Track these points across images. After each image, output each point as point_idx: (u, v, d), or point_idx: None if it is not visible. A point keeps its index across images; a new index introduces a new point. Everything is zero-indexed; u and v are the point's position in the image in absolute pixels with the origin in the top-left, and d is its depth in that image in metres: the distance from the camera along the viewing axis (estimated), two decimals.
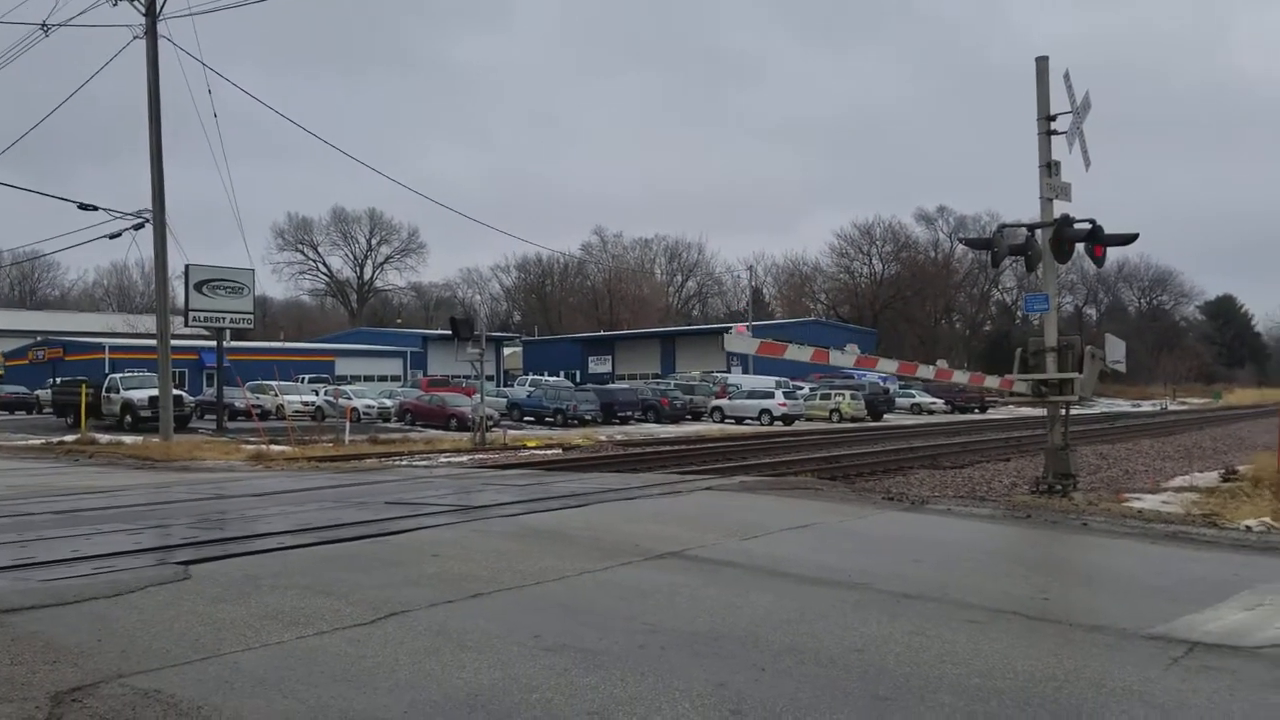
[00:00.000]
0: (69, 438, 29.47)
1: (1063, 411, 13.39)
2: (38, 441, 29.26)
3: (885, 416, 51.75)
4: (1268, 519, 10.45)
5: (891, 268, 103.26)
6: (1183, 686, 4.55)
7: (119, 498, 13.44)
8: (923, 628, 5.56)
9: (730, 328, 79.00)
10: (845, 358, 24.69)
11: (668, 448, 29.27)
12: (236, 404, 40.16)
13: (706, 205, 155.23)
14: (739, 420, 45.83)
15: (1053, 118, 12.91)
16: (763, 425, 43.90)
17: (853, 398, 50.75)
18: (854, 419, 49.12)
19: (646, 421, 45.24)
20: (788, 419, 45.32)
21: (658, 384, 55.21)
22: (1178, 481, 17.66)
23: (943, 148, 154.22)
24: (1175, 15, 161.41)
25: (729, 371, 66.41)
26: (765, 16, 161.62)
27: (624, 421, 44.32)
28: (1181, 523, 10.38)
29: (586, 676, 4.60)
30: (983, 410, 60.22)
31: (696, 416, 48.01)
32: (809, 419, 47.85)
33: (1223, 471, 17.67)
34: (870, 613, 5.94)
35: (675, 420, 45.86)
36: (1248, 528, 10.05)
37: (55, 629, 5.38)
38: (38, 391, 53.14)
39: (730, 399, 48.50)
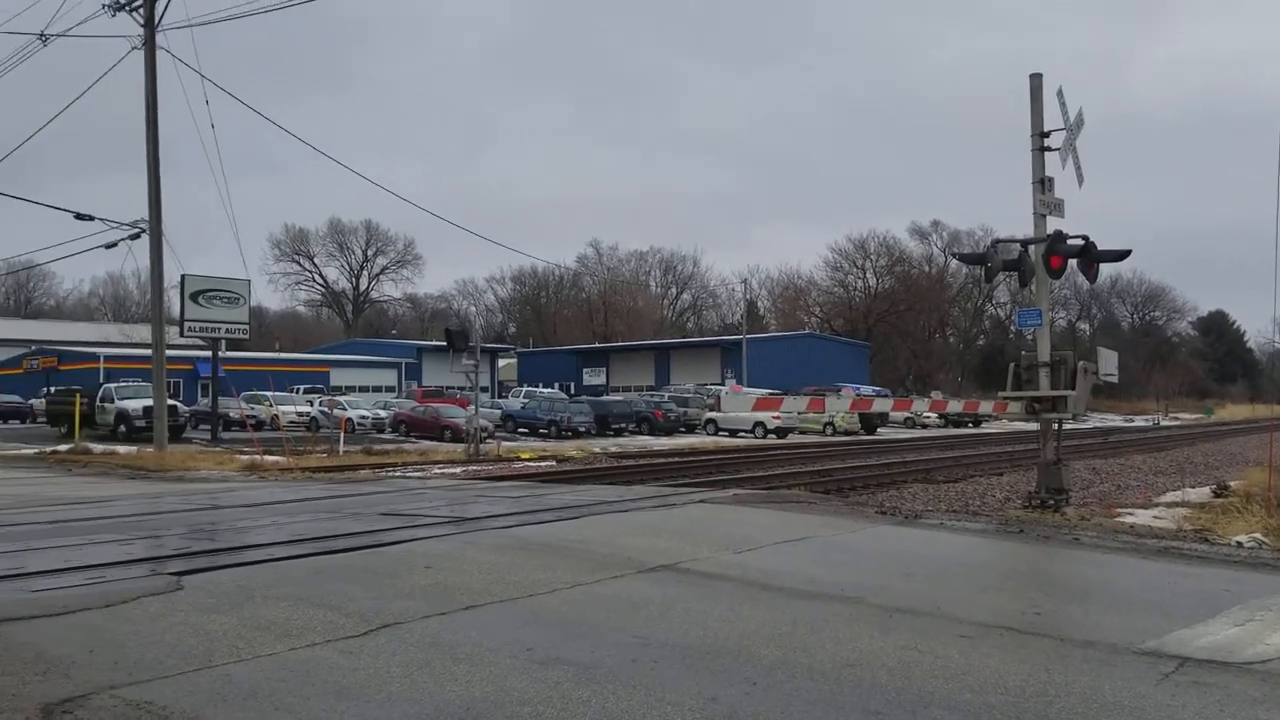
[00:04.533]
0: (62, 447, 29.41)
1: (1055, 426, 13.42)
2: (30, 451, 29.18)
3: (879, 430, 51.76)
4: (1259, 534, 10.48)
5: (886, 281, 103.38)
6: (1173, 702, 4.57)
7: (112, 508, 13.41)
8: (915, 642, 5.57)
9: (723, 340, 79.23)
10: (841, 402, 24.64)
11: (661, 460, 29.26)
12: (231, 414, 40.08)
13: (701, 218, 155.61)
14: (733, 433, 45.85)
15: (1046, 134, 12.97)
16: (757, 438, 43.92)
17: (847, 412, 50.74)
18: (848, 432, 49.18)
19: (640, 434, 45.21)
20: (781, 432, 45.36)
21: (652, 396, 55.19)
22: (1170, 497, 17.69)
23: (934, 162, 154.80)
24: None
25: (723, 384, 66.44)
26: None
27: (618, 434, 44.29)
28: (1173, 538, 10.41)
29: (579, 690, 4.60)
30: (977, 424, 60.30)
31: (690, 429, 47.99)
32: (803, 432, 47.90)
33: (1215, 487, 17.71)
34: (863, 627, 5.95)
35: (669, 433, 45.84)
36: (1239, 543, 10.08)
37: (47, 640, 5.37)
38: (32, 401, 52.95)
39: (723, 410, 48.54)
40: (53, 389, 49.70)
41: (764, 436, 44.46)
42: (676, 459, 29.92)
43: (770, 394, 51.26)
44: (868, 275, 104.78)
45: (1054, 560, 9.35)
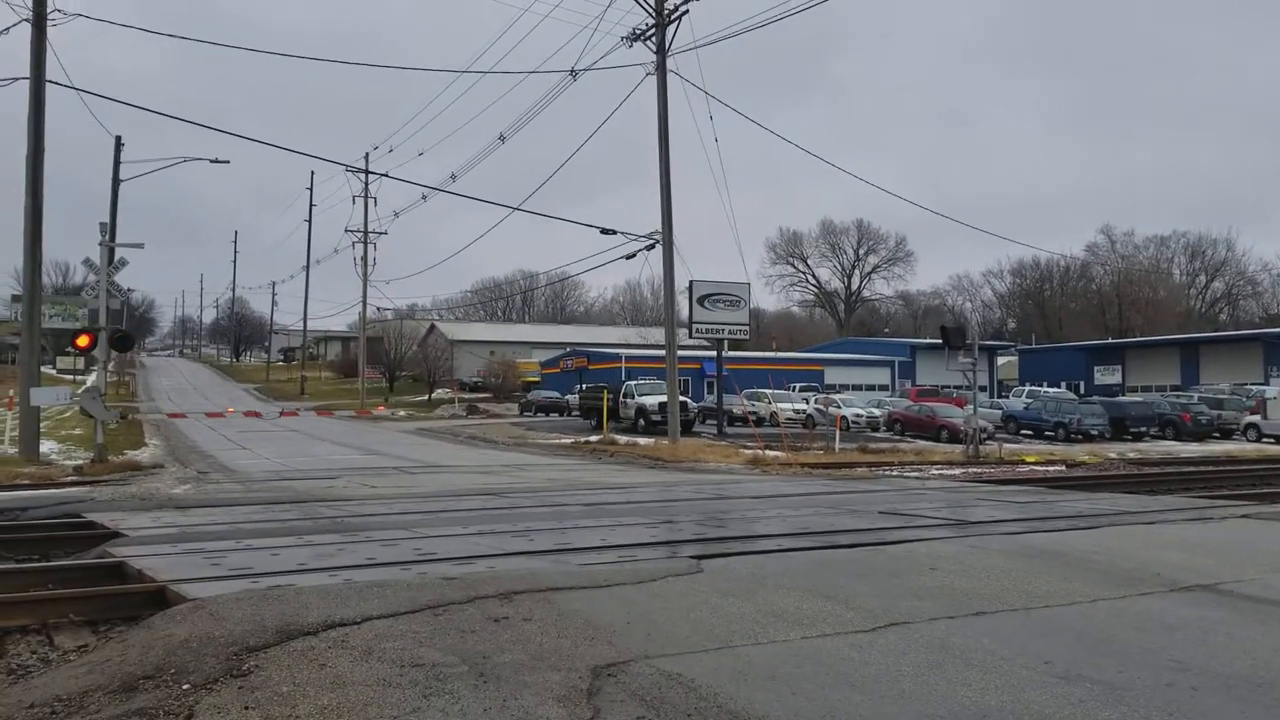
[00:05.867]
0: (593, 438, 33.14)
1: None
2: (568, 440, 33.24)
3: None
4: None
5: None
6: None
7: (635, 494, 14.85)
8: None
9: (1266, 333, 69.03)
10: None
11: (1191, 468, 26.19)
12: (734, 410, 42.58)
13: (1232, 196, 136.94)
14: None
15: None
16: None
17: None
18: None
19: (1164, 439, 40.91)
20: None
21: (1177, 397, 49.65)
22: None
23: None
24: None
25: (1267, 383, 57.93)
26: None
27: (1136, 438, 40.45)
28: None
29: (1106, 711, 4.25)
30: None
31: (1226, 434, 42.49)
32: None
33: None
34: None
35: (1199, 438, 40.95)
36: None
37: (591, 609, 6.04)
38: (567, 396, 60.20)
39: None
40: (584, 386, 56.14)
41: None
42: (1210, 467, 26.61)
43: None
44: None
45: None
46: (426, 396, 73.96)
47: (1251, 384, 55.98)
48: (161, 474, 19.84)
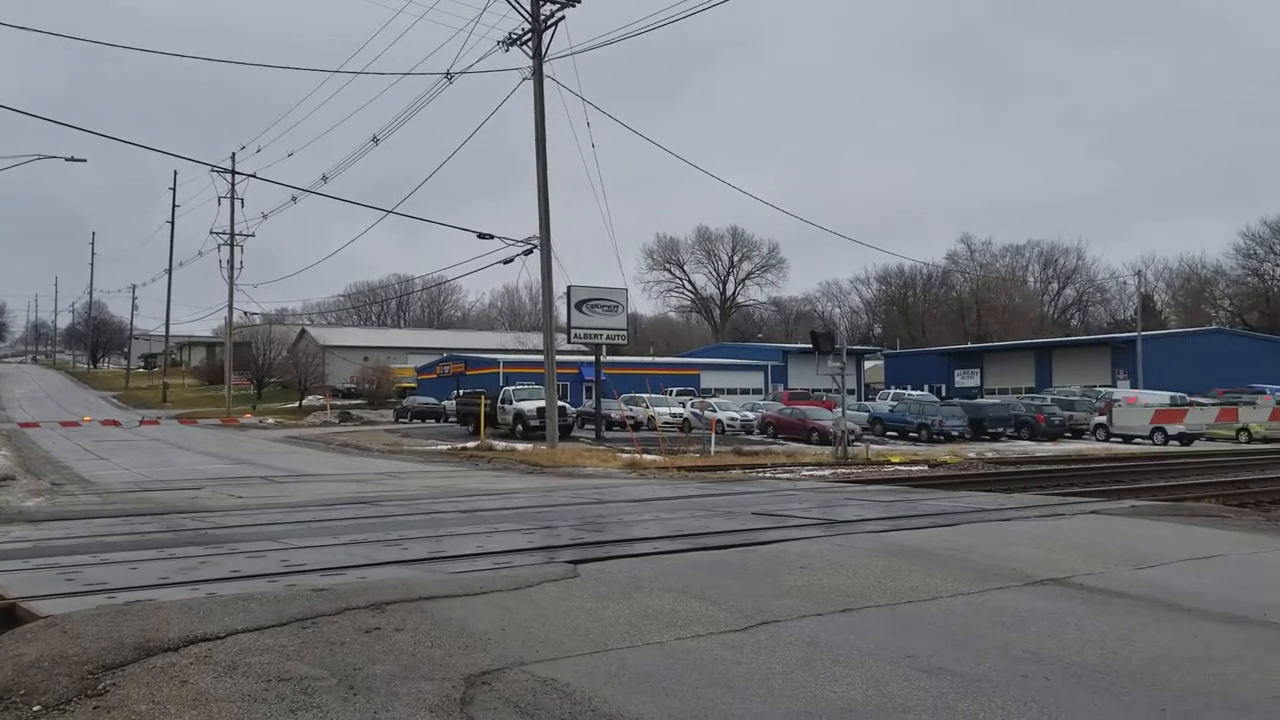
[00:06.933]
0: (470, 444, 32.85)
1: None
2: (444, 447, 32.84)
3: None
4: None
5: None
6: None
7: (512, 500, 14.77)
8: None
9: (1113, 338, 73.01)
10: (1259, 411, 22.00)
11: (1045, 467, 27.50)
12: (612, 415, 42.79)
13: (1083, 209, 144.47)
14: (1127, 439, 42.14)
15: None
16: (1155, 444, 40.06)
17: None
18: (1266, 439, 43.45)
19: (1020, 439, 42.88)
20: (1185, 438, 41.01)
21: (1032, 399, 52.06)
22: None
23: None
24: None
25: (1114, 385, 61.27)
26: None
27: (994, 438, 42.30)
28: None
29: (965, 702, 4.44)
30: None
31: (1077, 434, 44.79)
32: (1210, 439, 43.00)
33: None
34: None
35: (1052, 438, 43.08)
36: None
37: (466, 617, 5.98)
38: (444, 402, 59.46)
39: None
40: (461, 391, 55.56)
41: (1164, 443, 40.47)
42: (1062, 466, 27.99)
43: (1171, 402, 46.79)
44: None
45: None
46: (297, 403, 72.06)
47: (1100, 386, 59.22)
48: (12, 486, 18.81)
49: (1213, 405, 46.19)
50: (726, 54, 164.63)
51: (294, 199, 49.52)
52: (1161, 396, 49.47)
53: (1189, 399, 49.49)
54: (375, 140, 34.42)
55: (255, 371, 78.80)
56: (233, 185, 57.68)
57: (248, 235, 60.33)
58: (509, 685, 4.60)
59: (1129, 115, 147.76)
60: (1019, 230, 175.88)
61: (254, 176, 35.58)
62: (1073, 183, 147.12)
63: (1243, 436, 43.87)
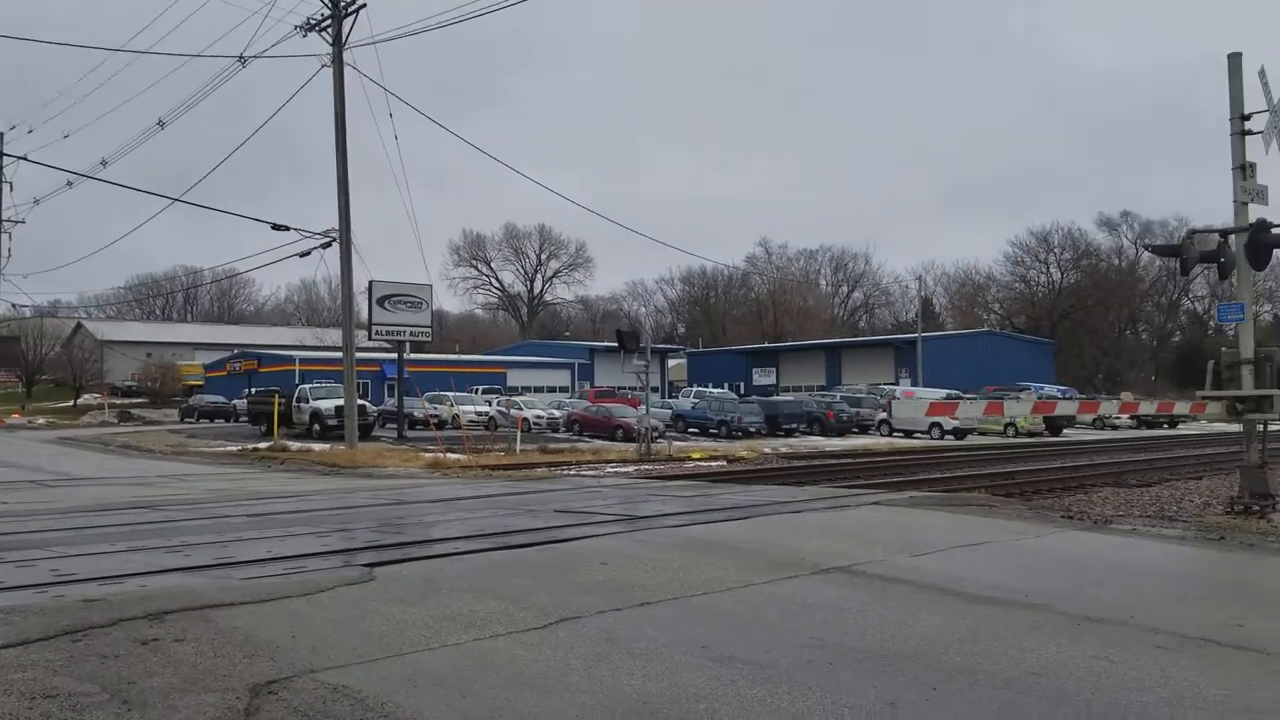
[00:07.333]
0: (263, 445, 31.44)
1: (1260, 428, 12.53)
2: (234, 448, 31.32)
3: (1065, 431, 49.47)
4: None
5: (1071, 276, 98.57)
6: None
7: (308, 502, 14.25)
8: (1105, 652, 5.31)
9: (897, 339, 77.35)
10: (1022, 405, 23.68)
11: (834, 461, 28.85)
12: (416, 413, 41.92)
13: (872, 216, 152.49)
14: (908, 434, 44.75)
15: (1247, 117, 12.12)
16: (933, 439, 42.73)
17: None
18: (1031, 433, 47.17)
19: (812, 434, 44.77)
20: (960, 433, 43.95)
21: (823, 396, 54.50)
22: None
23: (1122, 152, 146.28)
24: None
25: (897, 384, 64.92)
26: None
27: (789, 434, 44.00)
28: None
29: (754, 689, 4.61)
30: (1172, 425, 56.76)
31: (863, 430, 47.18)
32: (982, 433, 46.27)
33: None
34: (1048, 635, 5.72)
35: (841, 433, 45.21)
36: None
37: (253, 625, 5.74)
38: (235, 401, 56.74)
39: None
40: (253, 390, 53.17)
41: (941, 437, 43.21)
42: (849, 460, 29.45)
43: (946, 398, 49.96)
44: (1051, 269, 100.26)
45: (1260, 570, 8.73)
46: (72, 402, 67.12)
47: (884, 384, 62.61)
48: None
49: (983, 400, 49.58)
50: (536, 55, 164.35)
51: (69, 184, 45.90)
52: (938, 394, 52.70)
53: (963, 396, 52.99)
54: (161, 124, 32.40)
55: (25, 368, 72.96)
56: None
57: (17, 222, 55.43)
58: (297, 694, 4.44)
59: (912, 130, 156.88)
60: (813, 235, 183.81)
61: (24, 159, 32.76)
62: (861, 191, 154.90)
63: (1010, 430, 47.44)
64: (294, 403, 39.46)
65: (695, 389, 63.68)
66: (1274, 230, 11.94)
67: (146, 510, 13.17)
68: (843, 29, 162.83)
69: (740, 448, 34.35)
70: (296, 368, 58.92)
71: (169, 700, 4.29)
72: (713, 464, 27.37)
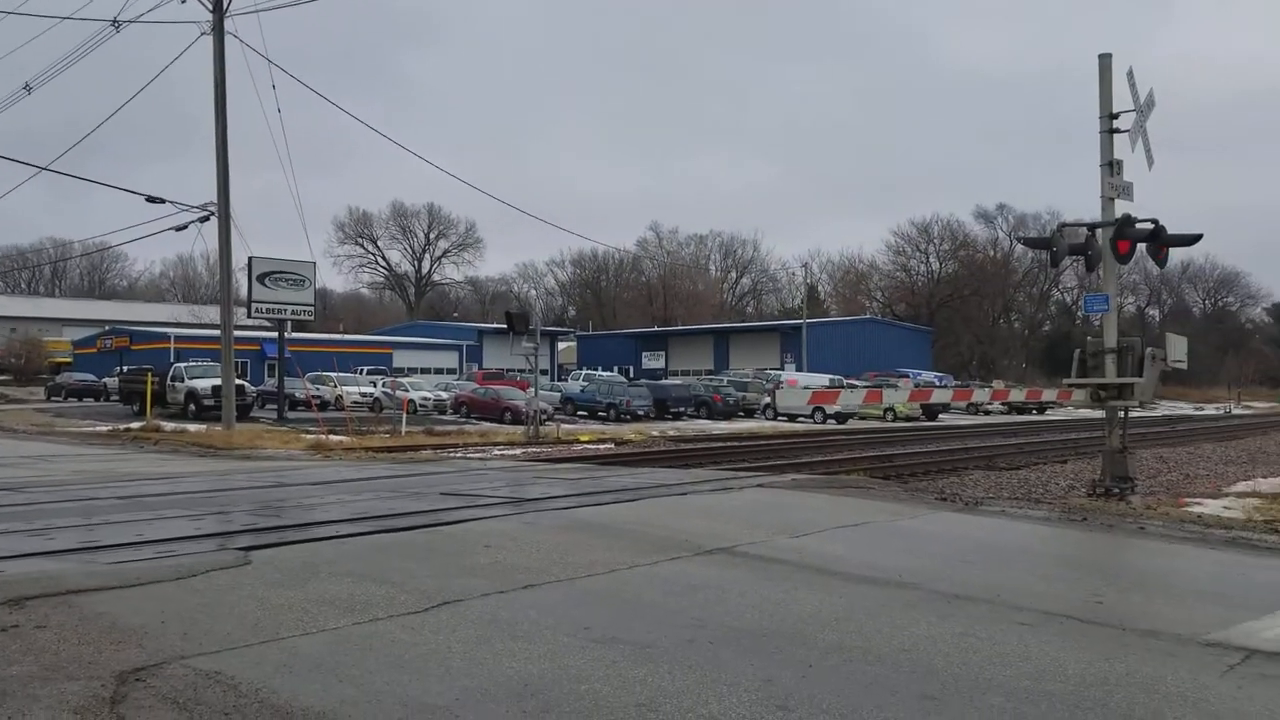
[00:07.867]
0: (134, 425, 30.22)
1: (1122, 414, 13.18)
2: (104, 428, 30.06)
3: (940, 416, 51.12)
4: None
5: (949, 266, 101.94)
6: (1238, 694, 4.49)
7: (181, 484, 13.78)
8: (972, 629, 5.54)
9: (783, 324, 78.78)
10: (899, 393, 24.55)
11: (720, 444, 29.25)
12: (297, 394, 40.85)
13: (761, 205, 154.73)
14: (792, 418, 45.63)
15: (1115, 116, 12.70)
16: (816, 423, 43.66)
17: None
18: (908, 418, 48.61)
19: (699, 418, 45.27)
20: (841, 417, 45.02)
21: (711, 380, 55.14)
22: (1240, 487, 17.28)
23: (998, 146, 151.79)
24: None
25: (782, 369, 66.15)
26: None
27: (677, 417, 44.41)
28: (1242, 529, 10.17)
29: (635, 669, 4.66)
30: (1041, 411, 59.13)
31: (749, 413, 47.91)
32: (863, 417, 47.49)
33: None
34: (920, 613, 5.92)
35: (728, 417, 45.84)
36: None
37: (120, 610, 5.55)
38: (105, 379, 54.42)
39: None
40: (125, 368, 51.08)
41: (823, 422, 44.18)
42: (735, 443, 29.89)
43: (827, 386, 51.19)
44: (930, 259, 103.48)
45: (1118, 549, 9.20)
46: None
47: (770, 369, 63.71)
48: None
49: (863, 387, 50.86)
50: (428, 36, 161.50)
51: None
52: (821, 379, 54.02)
53: (845, 381, 54.36)
54: (28, 88, 30.68)
55: None
56: None
57: None
58: (167, 681, 4.31)
59: (801, 122, 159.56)
60: (702, 220, 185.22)
61: None
62: (750, 180, 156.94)
63: (889, 415, 48.82)
64: (169, 381, 38.06)
65: (585, 372, 63.66)
66: (1138, 225, 12.55)
67: (7, 492, 12.54)
68: (736, 25, 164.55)
69: (628, 431, 34.53)
70: (171, 345, 56.82)
71: (29, 690, 4.12)
72: (601, 447, 27.43)
